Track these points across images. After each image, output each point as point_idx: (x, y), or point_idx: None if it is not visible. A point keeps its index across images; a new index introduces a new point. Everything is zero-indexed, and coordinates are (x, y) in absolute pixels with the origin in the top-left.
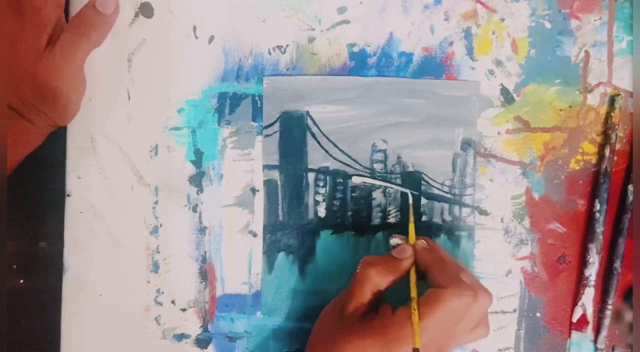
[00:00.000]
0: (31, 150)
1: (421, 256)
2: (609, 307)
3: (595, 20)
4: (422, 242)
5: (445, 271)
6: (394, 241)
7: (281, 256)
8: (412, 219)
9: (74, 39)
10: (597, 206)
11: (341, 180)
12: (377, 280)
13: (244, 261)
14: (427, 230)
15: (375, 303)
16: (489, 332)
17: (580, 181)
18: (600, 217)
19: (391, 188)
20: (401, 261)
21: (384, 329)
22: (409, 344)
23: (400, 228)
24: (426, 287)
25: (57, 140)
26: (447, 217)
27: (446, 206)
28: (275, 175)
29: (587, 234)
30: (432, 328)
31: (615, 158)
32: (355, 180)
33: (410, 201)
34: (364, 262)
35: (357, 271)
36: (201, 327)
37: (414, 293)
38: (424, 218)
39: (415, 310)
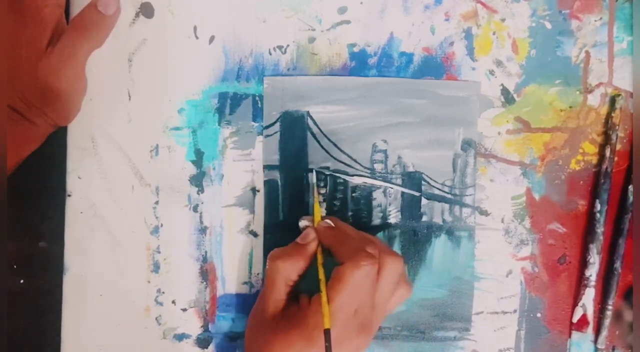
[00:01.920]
0: (32, 151)
1: (323, 235)
2: (609, 307)
3: (595, 21)
4: (325, 222)
5: (346, 245)
6: (302, 222)
7: None
8: (316, 198)
9: (75, 40)
10: (598, 207)
11: (342, 180)
12: (287, 271)
13: (244, 261)
14: (428, 230)
15: (294, 295)
16: (411, 290)
17: (581, 182)
18: (600, 217)
19: (391, 189)
20: (306, 245)
21: (304, 319)
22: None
23: (401, 228)
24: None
25: (57, 140)
26: (448, 218)
27: (447, 206)
28: (276, 175)
29: (588, 234)
30: (344, 305)
31: (616, 158)
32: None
33: (314, 179)
34: (271, 257)
35: (266, 267)
36: (202, 327)
37: (321, 275)
38: (424, 218)
39: (323, 291)
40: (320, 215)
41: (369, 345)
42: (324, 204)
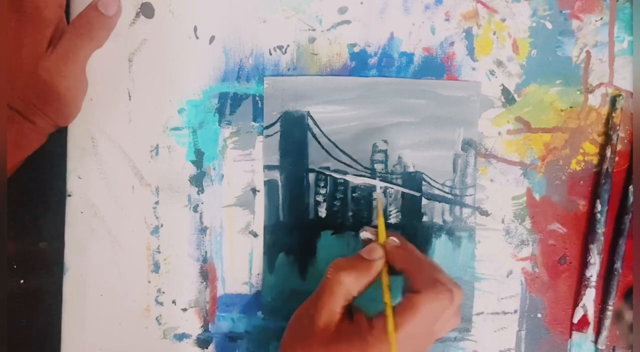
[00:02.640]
0: (33, 151)
1: (394, 255)
2: (610, 308)
3: (596, 21)
4: (393, 240)
5: (421, 272)
6: (364, 234)
7: (282, 256)
8: (381, 213)
9: (76, 40)
10: (598, 207)
11: (342, 180)
12: (349, 285)
13: (244, 261)
14: (428, 230)
15: (347, 310)
16: (460, 319)
17: (581, 182)
18: (601, 218)
19: (391, 189)
20: (372, 262)
21: (365, 343)
22: None
23: (401, 228)
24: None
25: (57, 140)
26: (448, 218)
27: (447, 206)
28: (276, 175)
29: (588, 234)
30: (410, 334)
31: (617, 159)
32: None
33: (378, 193)
34: (335, 266)
35: (327, 276)
36: (202, 327)
37: (387, 298)
38: (424, 218)
39: (390, 317)
40: (384, 231)
41: None
42: (324, 204)
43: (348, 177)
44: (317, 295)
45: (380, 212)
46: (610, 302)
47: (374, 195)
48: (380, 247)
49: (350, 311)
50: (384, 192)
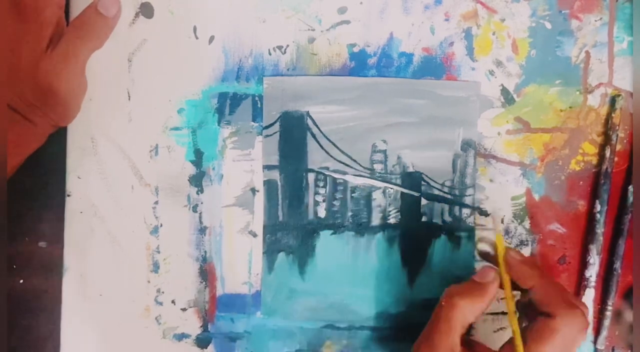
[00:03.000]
0: (33, 151)
1: (519, 272)
2: (609, 308)
3: (595, 21)
4: (515, 252)
5: (555, 294)
6: (482, 246)
7: (281, 256)
8: (499, 230)
9: (76, 41)
10: (598, 207)
11: (341, 180)
12: (466, 310)
13: (244, 261)
14: (427, 231)
15: (465, 338)
16: (586, 334)
17: (581, 182)
18: (600, 218)
19: (391, 189)
20: (487, 285)
21: None
22: None
23: (400, 228)
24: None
25: (57, 140)
26: (447, 218)
27: (446, 206)
28: (276, 175)
29: (588, 235)
30: None
31: (616, 159)
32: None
33: (499, 223)
34: (449, 293)
35: (442, 303)
36: (201, 327)
37: (514, 324)
38: (424, 219)
39: (520, 346)
40: (503, 245)
41: None
42: (324, 204)
43: (347, 177)
44: (433, 324)
45: (499, 228)
46: (610, 303)
47: (491, 217)
48: (492, 271)
49: (469, 344)
50: (384, 192)
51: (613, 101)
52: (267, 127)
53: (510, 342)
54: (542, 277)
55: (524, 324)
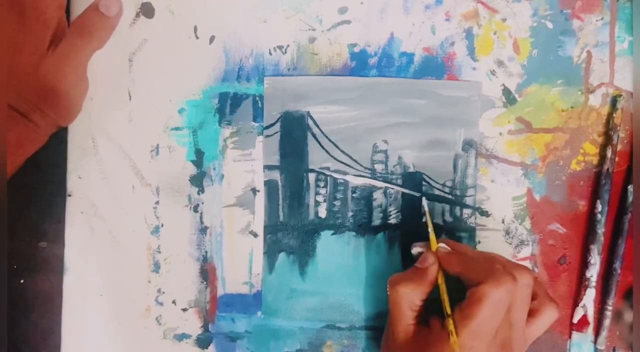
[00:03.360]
0: (34, 151)
1: (447, 262)
2: (609, 308)
3: (597, 21)
4: (443, 247)
5: (477, 267)
6: (416, 249)
7: (282, 256)
8: (430, 224)
9: (77, 41)
10: (599, 207)
11: (342, 180)
12: (409, 296)
13: (244, 261)
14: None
15: (423, 318)
16: (557, 310)
17: (582, 182)
18: (601, 218)
19: (392, 189)
20: (426, 269)
21: (438, 344)
22: None
23: (401, 229)
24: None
25: (58, 140)
26: (448, 218)
27: (447, 206)
28: (276, 175)
29: (588, 235)
30: (486, 326)
31: (617, 159)
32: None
33: (426, 206)
34: (391, 282)
35: (388, 293)
36: (202, 327)
37: (447, 308)
38: (424, 219)
39: (450, 325)
40: (435, 241)
41: None
42: (324, 205)
43: (348, 178)
44: (389, 314)
45: (430, 224)
46: (609, 302)
47: (423, 206)
48: (431, 254)
49: (426, 319)
50: (384, 193)
51: (614, 101)
52: (267, 127)
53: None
54: (466, 260)
55: None
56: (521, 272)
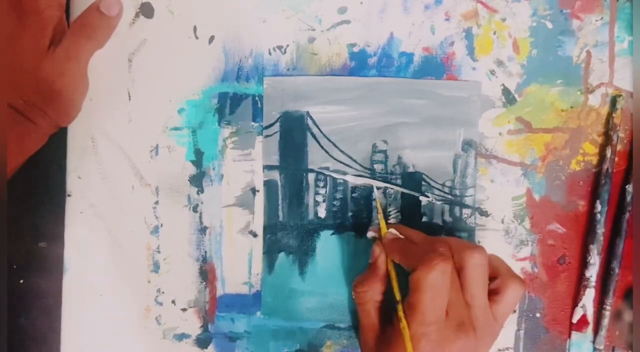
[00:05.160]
0: (34, 152)
1: (390, 249)
2: (607, 307)
3: (596, 21)
4: (390, 233)
5: (413, 252)
6: (370, 234)
7: (281, 256)
8: (380, 211)
9: (77, 41)
10: (598, 207)
11: (341, 180)
12: (369, 295)
13: (244, 261)
14: (428, 231)
15: (389, 316)
16: (523, 285)
17: (581, 182)
18: (601, 218)
19: (391, 189)
20: (375, 263)
21: (398, 339)
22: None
23: None
24: None
25: (57, 140)
26: (448, 218)
27: (447, 206)
28: (276, 175)
29: (588, 235)
30: (431, 311)
31: (617, 159)
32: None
33: (376, 193)
34: (353, 286)
35: (353, 297)
36: (201, 327)
37: (397, 294)
38: (424, 219)
39: (400, 311)
40: (385, 228)
41: (489, 344)
42: (324, 205)
43: (347, 178)
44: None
45: (380, 210)
46: (608, 302)
47: (373, 195)
48: (378, 245)
49: (391, 316)
50: (384, 193)
51: (614, 101)
52: (267, 127)
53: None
54: (406, 247)
55: None
56: (472, 252)
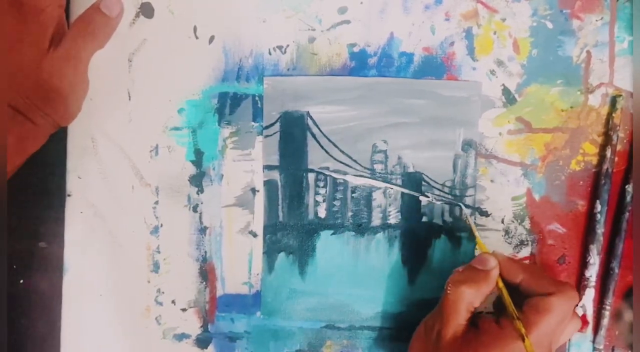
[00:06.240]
0: (34, 151)
1: (508, 269)
2: (607, 307)
3: (596, 21)
4: (499, 253)
5: (544, 277)
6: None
7: (281, 256)
8: (475, 232)
9: (78, 41)
10: (598, 207)
11: (341, 180)
12: (471, 297)
13: (244, 261)
14: (428, 231)
15: (474, 321)
16: (580, 322)
17: (581, 182)
18: (601, 218)
19: (391, 189)
20: (489, 272)
21: (496, 342)
22: None
23: (401, 229)
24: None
25: (57, 140)
26: (448, 218)
27: (447, 207)
28: (276, 175)
29: (588, 235)
30: (545, 337)
31: (616, 159)
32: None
33: (465, 212)
34: (453, 281)
35: (447, 291)
36: (201, 327)
37: (512, 310)
38: (424, 219)
39: (521, 328)
40: (485, 247)
41: None
42: (324, 204)
43: (348, 178)
44: (441, 310)
45: (474, 228)
46: (607, 302)
47: (463, 215)
48: (492, 257)
49: (474, 318)
50: (384, 193)
51: (614, 101)
52: (267, 127)
53: (508, 316)
54: (528, 268)
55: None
56: (568, 287)
